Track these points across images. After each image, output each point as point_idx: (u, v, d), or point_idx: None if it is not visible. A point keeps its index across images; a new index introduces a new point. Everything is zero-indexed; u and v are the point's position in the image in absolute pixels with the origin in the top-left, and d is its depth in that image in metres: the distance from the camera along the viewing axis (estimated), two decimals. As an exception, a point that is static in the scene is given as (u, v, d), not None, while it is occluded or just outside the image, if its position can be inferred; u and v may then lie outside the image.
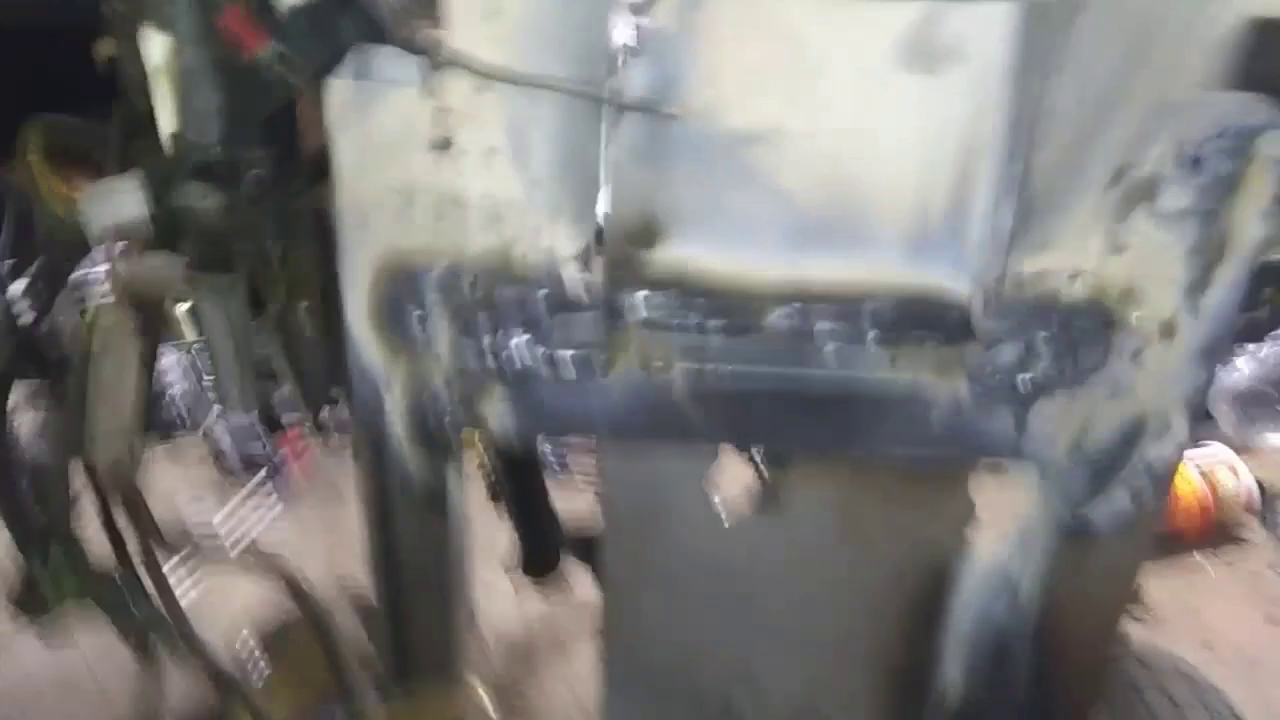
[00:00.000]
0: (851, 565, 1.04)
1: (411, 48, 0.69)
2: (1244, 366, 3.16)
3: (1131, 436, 0.84)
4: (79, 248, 1.26)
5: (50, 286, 1.41)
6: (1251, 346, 3.10)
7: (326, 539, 2.85)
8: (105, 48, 1.01)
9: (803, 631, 1.08)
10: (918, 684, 1.07)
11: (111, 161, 1.11)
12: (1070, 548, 0.90)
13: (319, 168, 0.97)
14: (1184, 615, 2.76)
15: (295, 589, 1.43)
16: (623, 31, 0.72)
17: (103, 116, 1.16)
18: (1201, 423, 3.07)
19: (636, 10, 0.72)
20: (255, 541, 2.80)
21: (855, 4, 0.68)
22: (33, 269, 1.43)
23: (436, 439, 0.87)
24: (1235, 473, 2.91)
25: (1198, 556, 2.93)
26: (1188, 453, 2.94)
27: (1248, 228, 0.75)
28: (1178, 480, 2.84)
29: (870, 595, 1.05)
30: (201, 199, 1.19)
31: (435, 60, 0.69)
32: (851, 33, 0.74)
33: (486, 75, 0.69)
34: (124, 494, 1.46)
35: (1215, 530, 2.96)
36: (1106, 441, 0.84)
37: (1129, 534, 0.89)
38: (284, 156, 1.27)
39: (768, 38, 0.75)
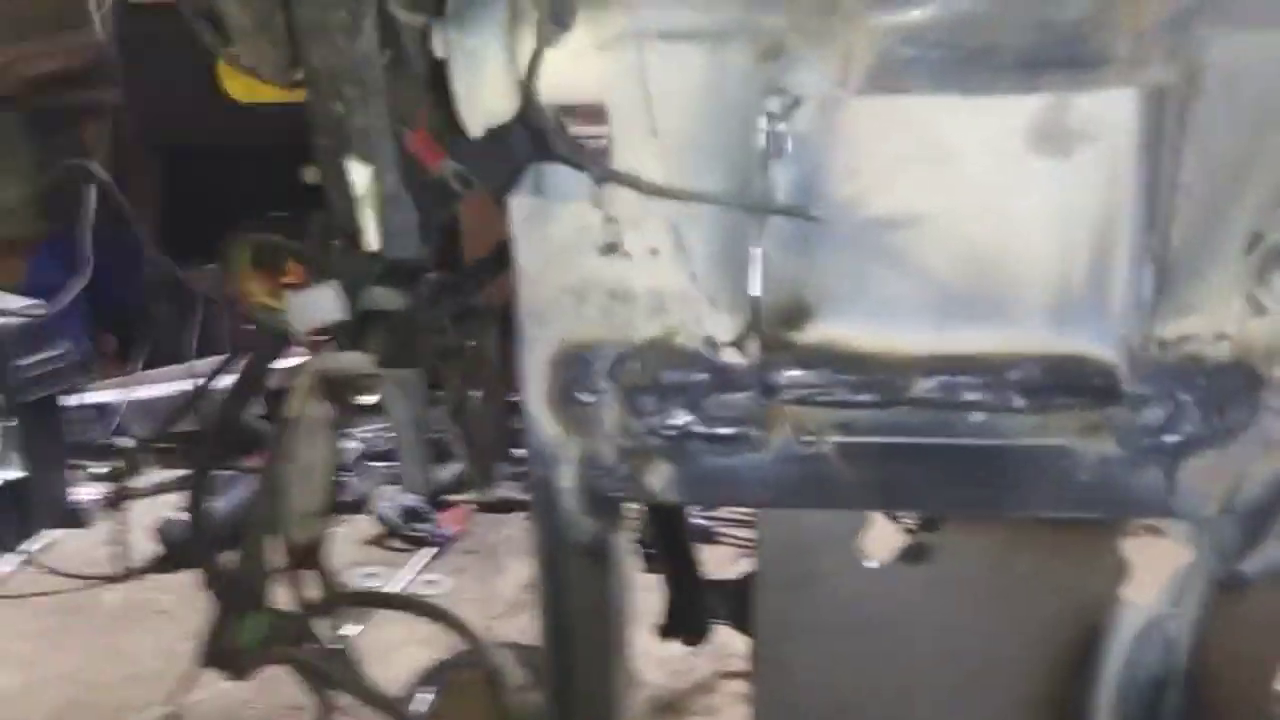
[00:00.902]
0: (1002, 620, 1.06)
1: (578, 165, 0.77)
2: None
3: None
4: (280, 347, 1.39)
5: (255, 382, 1.55)
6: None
7: (484, 604, 2.95)
8: (310, 174, 1.14)
9: (954, 687, 1.11)
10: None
11: (311, 269, 1.24)
12: (1224, 600, 0.91)
13: (488, 269, 1.07)
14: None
15: (468, 636, 1.52)
16: (767, 138, 0.80)
17: (287, 225, 1.30)
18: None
19: (778, 118, 0.80)
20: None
21: (986, 98, 0.74)
22: (239, 365, 1.58)
23: (605, 507, 0.94)
24: None
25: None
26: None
27: (1387, 286, 0.77)
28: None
29: (1022, 648, 1.07)
30: (388, 301, 1.31)
31: (599, 177, 0.77)
32: (984, 122, 0.80)
33: (646, 191, 0.77)
34: (315, 567, 1.59)
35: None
36: (1259, 496, 0.86)
37: None
38: (450, 261, 1.38)
39: (904, 132, 0.81)
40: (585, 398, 0.89)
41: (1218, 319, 0.79)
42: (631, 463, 0.92)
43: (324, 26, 0.85)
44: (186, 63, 1.23)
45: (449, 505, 3.19)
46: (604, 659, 1.04)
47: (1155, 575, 0.99)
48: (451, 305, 1.36)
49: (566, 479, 0.93)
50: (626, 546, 1.00)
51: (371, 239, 0.89)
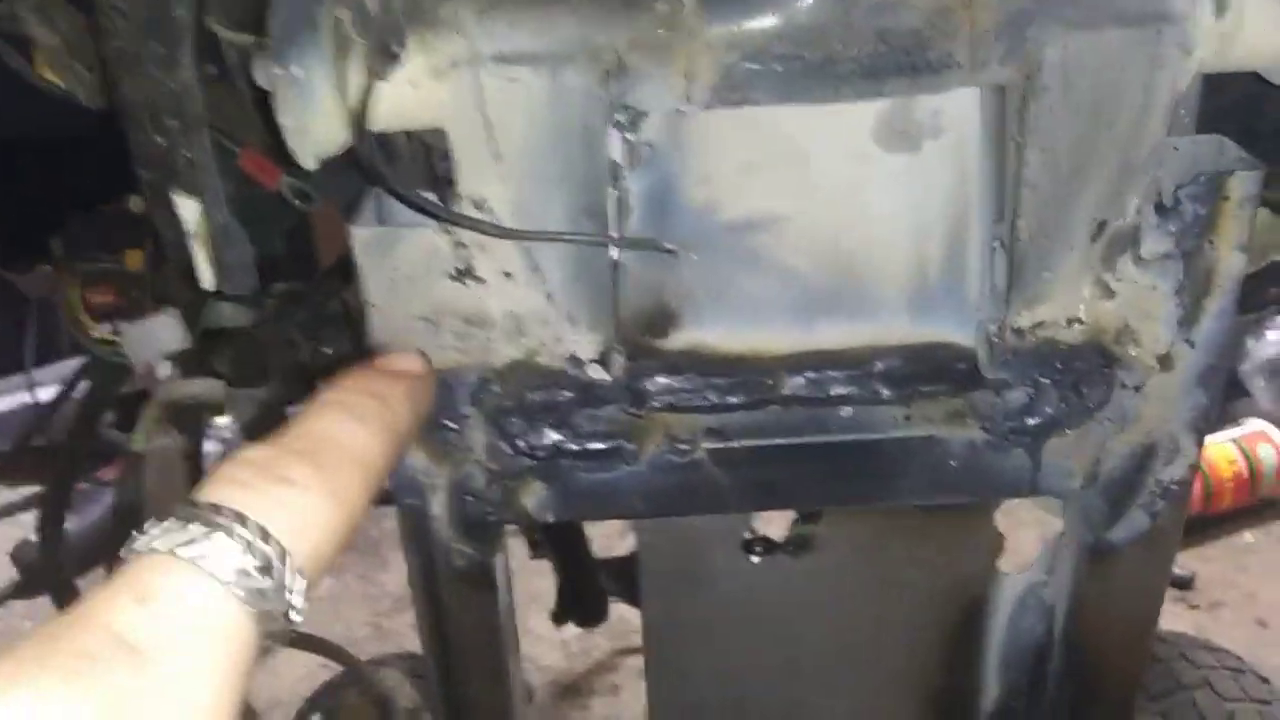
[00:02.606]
0: (887, 601, 1.08)
1: (413, 206, 0.74)
2: (1275, 338, 3.17)
3: (1144, 463, 0.88)
4: (122, 375, 1.32)
5: (99, 409, 1.47)
6: (1281, 318, 3.10)
7: (371, 604, 2.90)
8: (135, 204, 1.07)
9: (845, 668, 1.13)
10: (960, 706, 1.11)
11: (146, 298, 1.18)
12: (1097, 567, 0.94)
13: (340, 275, 1.03)
14: (1236, 595, 2.77)
15: (346, 662, 1.49)
16: (616, 150, 0.77)
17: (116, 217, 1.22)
18: (1238, 399, 3.08)
19: (626, 129, 0.77)
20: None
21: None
22: (81, 394, 1.50)
23: (480, 532, 0.92)
24: (1275, 446, 2.92)
25: (1248, 536, 2.94)
26: (1227, 431, 2.96)
27: (1228, 263, 0.79)
28: (1219, 459, 2.86)
29: (908, 627, 1.09)
30: (231, 319, 1.25)
31: (436, 217, 0.74)
32: (833, 122, 0.79)
33: (489, 233, 0.74)
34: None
35: (1261, 505, 2.98)
36: (1120, 470, 0.88)
37: (1151, 549, 0.92)
38: (305, 268, 1.33)
39: (754, 137, 0.80)
40: (450, 424, 0.86)
41: (1069, 304, 0.81)
42: (504, 485, 0.89)
43: (137, 58, 0.79)
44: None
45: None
46: (493, 679, 1.02)
47: (1032, 548, 1.02)
48: (300, 316, 1.30)
49: (437, 506, 0.90)
50: (505, 568, 0.98)
51: (204, 276, 0.84)
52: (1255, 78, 0.77)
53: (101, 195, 1.25)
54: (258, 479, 0.56)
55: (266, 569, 0.52)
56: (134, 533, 0.53)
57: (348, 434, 0.62)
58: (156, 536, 0.52)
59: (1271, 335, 3.08)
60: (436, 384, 0.82)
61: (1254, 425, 2.95)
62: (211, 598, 0.50)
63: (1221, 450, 2.87)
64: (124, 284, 1.29)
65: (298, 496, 0.57)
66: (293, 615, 0.54)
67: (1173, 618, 2.67)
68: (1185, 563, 2.81)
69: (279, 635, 0.54)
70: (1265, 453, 2.87)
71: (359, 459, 0.62)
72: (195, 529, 0.52)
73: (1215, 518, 2.87)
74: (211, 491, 0.55)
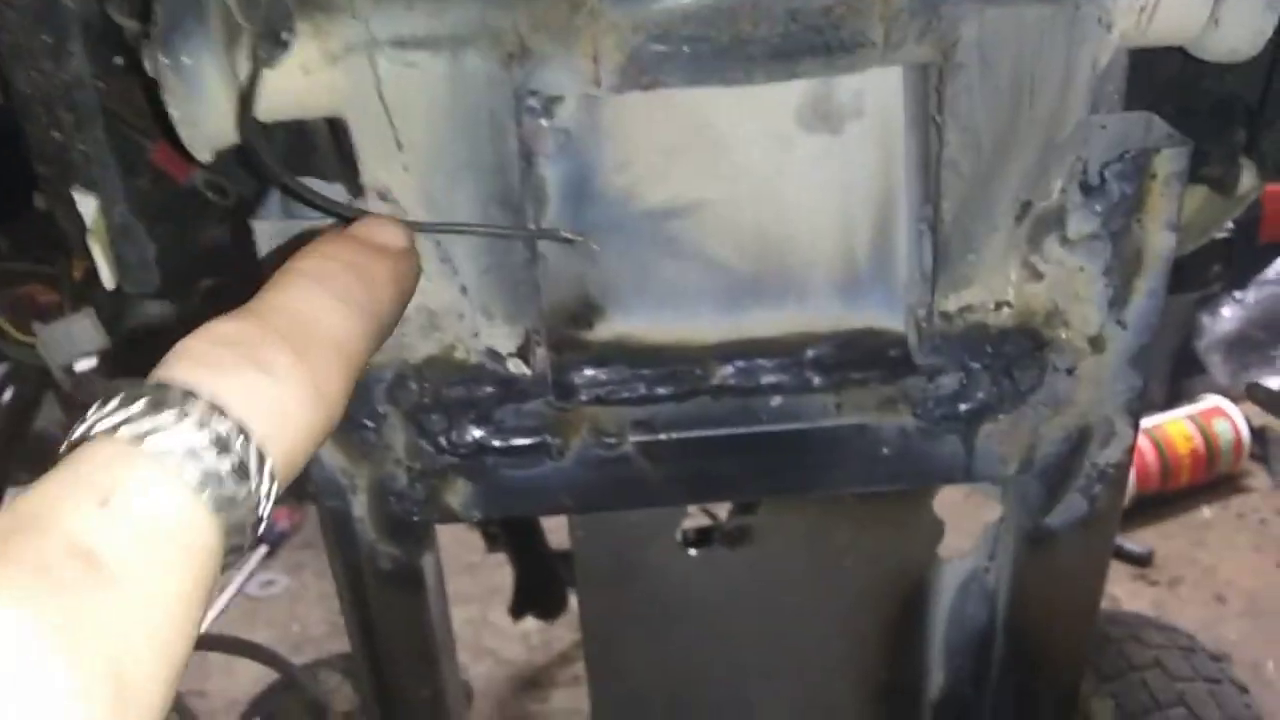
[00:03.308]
0: (828, 590, 1.07)
1: (303, 200, 0.71)
2: (1231, 314, 3.19)
3: (1079, 445, 0.87)
4: (44, 380, 1.29)
5: (22, 416, 1.43)
6: (1238, 293, 3.13)
7: (328, 602, 2.88)
8: (39, 200, 1.03)
9: (788, 658, 1.11)
10: (905, 694, 1.10)
11: (64, 300, 1.14)
12: (1037, 552, 0.93)
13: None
14: (1195, 571, 2.79)
15: (281, 669, 1.46)
16: (530, 136, 0.75)
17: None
18: (1195, 376, 3.10)
19: (540, 114, 0.75)
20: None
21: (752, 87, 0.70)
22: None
23: (405, 531, 0.89)
24: (1232, 421, 2.94)
25: (1205, 511, 2.96)
26: (1184, 408, 2.97)
27: (1157, 242, 0.78)
28: (1175, 436, 2.87)
29: (850, 615, 1.08)
30: (157, 318, 1.22)
31: (325, 210, 0.71)
32: (753, 105, 0.77)
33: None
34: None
35: (1218, 481, 3.00)
36: (1055, 454, 0.87)
37: (1090, 533, 0.91)
38: (236, 261, 1.30)
39: (672, 121, 0.78)
40: (368, 423, 0.83)
41: (997, 288, 0.79)
42: (427, 484, 0.87)
43: (27, 50, 0.76)
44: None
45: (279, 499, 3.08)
46: (427, 681, 0.99)
47: (972, 533, 1.01)
48: (223, 311, 1.26)
49: (359, 507, 0.88)
50: (436, 567, 0.96)
51: (105, 275, 0.81)
52: (1189, 54, 0.76)
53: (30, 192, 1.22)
54: (233, 361, 0.49)
55: (240, 472, 0.45)
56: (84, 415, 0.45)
57: (330, 315, 0.54)
58: (106, 418, 0.44)
59: (1227, 312, 3.10)
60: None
61: (1210, 401, 2.96)
62: (175, 500, 0.44)
63: (1178, 427, 2.88)
64: (47, 284, 1.25)
65: (276, 387, 0.49)
66: (260, 526, 0.48)
67: (1131, 595, 2.68)
68: (1144, 539, 2.83)
69: (243, 548, 0.47)
70: (1222, 428, 2.88)
71: (342, 347, 0.54)
72: (164, 417, 0.44)
73: (1173, 494, 2.89)
74: (178, 370, 0.47)
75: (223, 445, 0.45)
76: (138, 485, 0.43)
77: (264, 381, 0.49)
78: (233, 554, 0.47)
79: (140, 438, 0.44)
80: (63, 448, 0.45)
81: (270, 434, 0.48)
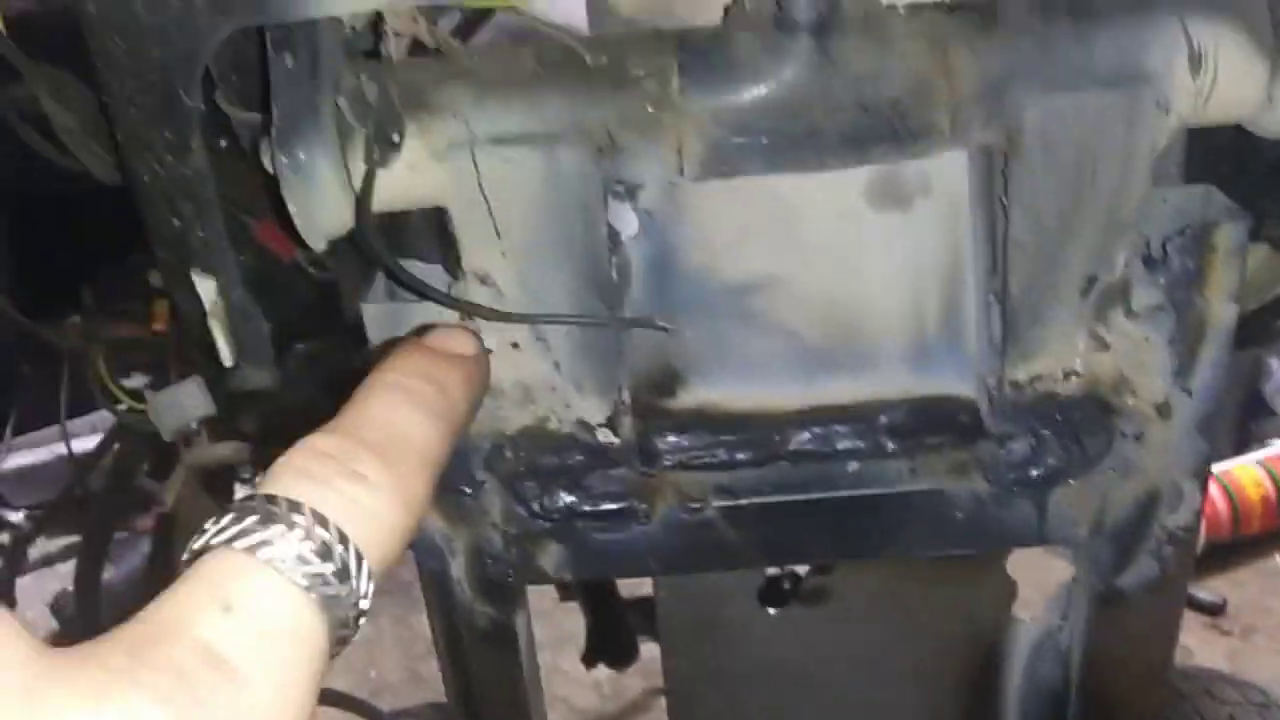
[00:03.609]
0: (904, 649, 1.09)
1: (409, 287, 0.76)
2: (1300, 358, 3.14)
3: (1148, 509, 0.89)
4: (150, 440, 1.35)
5: (128, 472, 1.50)
6: (1306, 337, 3.07)
7: (405, 648, 2.92)
8: (155, 279, 1.10)
9: (864, 716, 1.13)
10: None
11: (171, 366, 1.21)
12: (1108, 613, 0.95)
13: (358, 330, 1.05)
14: (1270, 620, 2.75)
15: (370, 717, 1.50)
16: (616, 218, 0.80)
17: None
18: (1264, 419, 3.06)
19: (624, 198, 0.80)
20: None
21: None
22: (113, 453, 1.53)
23: (500, 592, 0.94)
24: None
25: (1278, 558, 2.91)
26: (1253, 453, 2.94)
27: (1219, 312, 0.80)
28: (1246, 482, 2.84)
29: (926, 674, 1.10)
30: (256, 382, 1.28)
31: (437, 300, 0.77)
32: (825, 185, 0.81)
33: (487, 317, 0.77)
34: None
35: (1291, 528, 2.93)
36: (1125, 518, 0.89)
37: (1161, 594, 0.93)
38: (326, 324, 1.35)
39: (749, 202, 0.82)
40: (466, 489, 0.88)
41: (1065, 357, 0.82)
42: (521, 547, 0.91)
43: (148, 143, 0.82)
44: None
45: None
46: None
47: (1045, 594, 1.03)
48: (321, 375, 1.33)
49: (457, 569, 0.92)
50: (527, 625, 1.00)
51: (224, 354, 0.86)
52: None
53: (130, 245, 1.28)
54: (330, 473, 0.53)
55: (343, 574, 0.50)
56: (204, 528, 0.50)
57: (412, 425, 0.59)
58: (222, 531, 0.49)
59: (1295, 356, 3.07)
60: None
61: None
62: (290, 602, 0.48)
63: (1248, 472, 2.85)
64: (152, 351, 1.32)
65: (370, 496, 0.53)
66: (361, 620, 0.52)
67: (1204, 644, 2.64)
68: (1216, 588, 2.79)
69: (347, 640, 0.51)
70: (1293, 473, 2.85)
71: (425, 454, 0.58)
72: (274, 529, 0.49)
73: (1244, 541, 2.85)
74: (282, 484, 0.52)
75: (326, 551, 0.50)
76: (256, 591, 0.48)
77: (358, 491, 0.53)
78: (339, 646, 0.52)
79: (254, 548, 0.49)
80: (184, 557, 0.50)
81: (366, 537, 0.52)
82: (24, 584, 3.20)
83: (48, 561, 3.32)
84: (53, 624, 3.02)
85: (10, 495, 3.48)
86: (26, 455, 3.59)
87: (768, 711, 1.12)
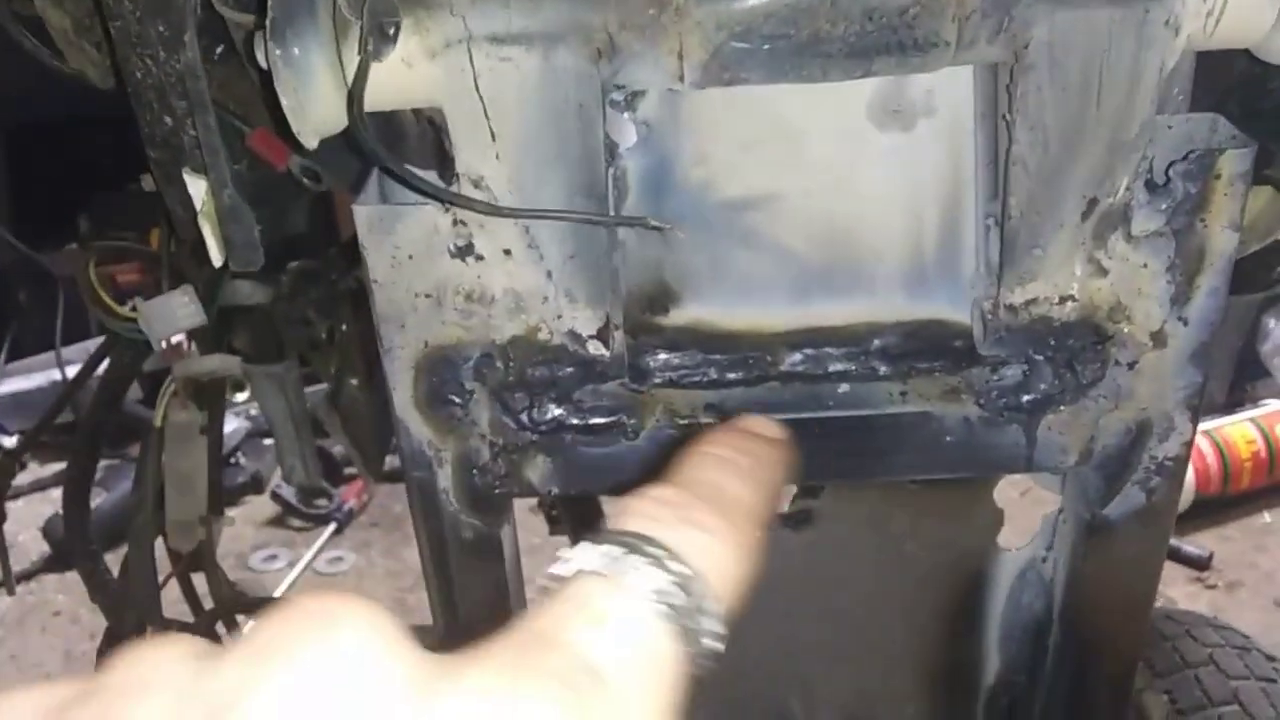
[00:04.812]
0: (888, 574, 1.09)
1: (408, 185, 0.75)
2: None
3: (1139, 439, 0.89)
4: (142, 352, 1.35)
5: (121, 383, 1.50)
6: (1302, 298, 3.08)
7: (394, 580, 2.94)
8: (148, 183, 1.09)
9: (850, 640, 1.14)
10: (962, 679, 1.13)
11: (163, 275, 1.20)
12: (1094, 542, 0.95)
13: (353, 251, 1.05)
14: (1254, 575, 2.76)
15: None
16: (614, 128, 0.79)
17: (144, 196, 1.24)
18: (1259, 379, 3.06)
19: (623, 108, 0.79)
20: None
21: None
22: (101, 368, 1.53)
23: (486, 504, 0.94)
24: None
25: (1266, 516, 2.93)
26: (1246, 411, 2.95)
27: (1220, 240, 0.80)
28: (1237, 439, 2.85)
29: (909, 600, 1.11)
30: (248, 296, 1.27)
31: (432, 196, 0.76)
32: (826, 101, 0.80)
33: (481, 210, 0.76)
34: (204, 571, 1.55)
35: (1280, 486, 2.95)
36: (1115, 446, 0.89)
37: (1147, 524, 0.93)
38: (322, 244, 1.35)
39: (749, 116, 0.81)
40: (455, 399, 0.88)
41: (1062, 283, 0.81)
42: (508, 459, 0.91)
43: (141, 39, 0.81)
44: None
45: (348, 478, 3.15)
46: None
47: (1030, 522, 1.03)
48: (315, 294, 1.32)
49: (444, 479, 0.92)
50: (513, 539, 1.00)
51: (214, 254, 0.86)
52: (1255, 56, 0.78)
53: (126, 173, 1.28)
54: (673, 518, 0.56)
55: (698, 609, 0.52)
56: (558, 556, 0.53)
57: (736, 488, 0.62)
58: (587, 558, 0.52)
59: (1292, 316, 3.07)
60: (440, 358, 0.83)
61: (1273, 405, 2.94)
62: (654, 628, 0.50)
63: (1240, 430, 2.86)
64: (144, 261, 1.31)
65: (711, 542, 0.56)
66: (714, 645, 0.53)
67: (1190, 597, 2.66)
68: (1203, 542, 2.81)
69: (703, 666, 0.53)
70: (1284, 431, 2.86)
71: (753, 514, 0.61)
72: (635, 559, 0.52)
73: (1233, 497, 2.86)
74: (635, 524, 0.55)
75: (684, 585, 0.52)
76: (625, 614, 0.49)
77: (703, 538, 0.56)
78: (690, 679, 0.52)
79: (619, 575, 0.51)
80: (548, 581, 0.52)
81: (712, 580, 0.54)
82: (16, 508, 3.22)
83: (40, 486, 3.34)
84: (44, 547, 3.04)
85: (5, 420, 3.48)
86: (22, 380, 3.60)
87: (749, 632, 1.12)
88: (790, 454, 0.71)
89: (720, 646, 0.53)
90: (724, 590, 0.55)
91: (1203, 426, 2.89)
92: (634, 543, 0.52)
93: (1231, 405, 3.03)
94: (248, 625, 1.55)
